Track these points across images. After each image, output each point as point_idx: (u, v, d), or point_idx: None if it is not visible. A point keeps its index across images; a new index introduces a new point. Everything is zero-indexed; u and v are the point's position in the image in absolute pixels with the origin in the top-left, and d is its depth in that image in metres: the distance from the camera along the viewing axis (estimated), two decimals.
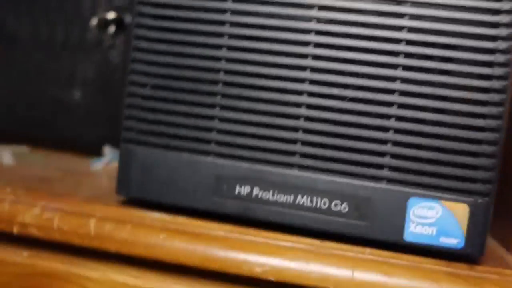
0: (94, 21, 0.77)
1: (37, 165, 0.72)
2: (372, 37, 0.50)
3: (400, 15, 0.49)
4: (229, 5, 0.52)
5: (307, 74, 0.51)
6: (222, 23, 0.52)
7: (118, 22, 0.78)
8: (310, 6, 0.51)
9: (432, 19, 0.49)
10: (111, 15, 0.77)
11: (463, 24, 0.48)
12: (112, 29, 0.77)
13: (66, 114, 0.82)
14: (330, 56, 0.50)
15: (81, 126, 0.82)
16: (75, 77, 0.82)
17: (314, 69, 0.51)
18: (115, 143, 0.80)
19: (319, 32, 0.50)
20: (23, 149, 0.81)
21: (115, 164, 0.74)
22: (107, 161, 0.77)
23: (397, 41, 0.49)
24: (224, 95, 0.52)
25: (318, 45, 0.50)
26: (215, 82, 0.53)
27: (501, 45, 0.48)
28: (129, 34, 0.78)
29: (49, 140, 0.84)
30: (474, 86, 0.48)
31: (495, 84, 0.48)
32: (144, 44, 0.54)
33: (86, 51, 0.80)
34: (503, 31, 0.48)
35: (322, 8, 0.50)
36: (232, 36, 0.52)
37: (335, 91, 0.50)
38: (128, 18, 0.79)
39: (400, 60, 0.49)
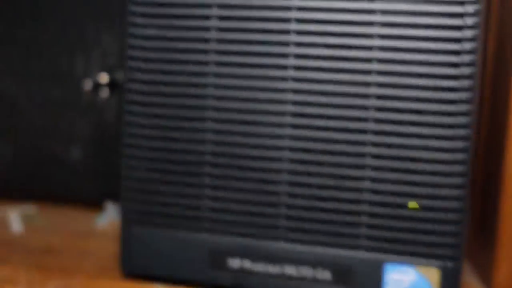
0: (87, 85, 0.85)
1: (44, 231, 0.80)
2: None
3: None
4: (210, 102, 0.60)
5: (284, 165, 0.58)
6: (204, 111, 0.60)
7: (111, 84, 0.85)
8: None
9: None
10: (103, 78, 0.85)
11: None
12: (105, 92, 0.85)
13: (67, 171, 0.89)
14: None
15: (81, 182, 0.90)
16: (73, 136, 0.89)
17: (292, 160, 0.58)
18: (114, 197, 0.87)
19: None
20: (30, 209, 0.89)
21: (118, 221, 0.81)
22: (110, 218, 0.84)
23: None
24: (212, 176, 0.60)
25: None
26: (202, 164, 0.60)
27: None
28: (122, 94, 0.86)
29: (53, 196, 0.92)
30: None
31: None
32: (135, 130, 0.62)
33: (81, 111, 0.88)
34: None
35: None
36: (216, 120, 0.60)
37: (312, 168, 0.57)
38: (120, 76, 0.86)
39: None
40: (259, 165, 0.58)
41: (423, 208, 0.56)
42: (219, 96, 0.59)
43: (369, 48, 0.56)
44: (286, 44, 0.57)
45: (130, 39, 0.61)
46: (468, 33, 0.54)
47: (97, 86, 0.85)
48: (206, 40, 0.59)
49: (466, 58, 0.54)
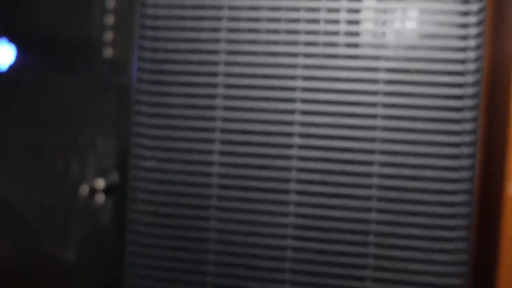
0: (84, 191, 0.86)
1: None
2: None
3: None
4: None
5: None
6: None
7: (107, 189, 0.87)
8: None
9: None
10: (99, 184, 0.86)
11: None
12: (101, 197, 0.86)
13: (61, 272, 0.90)
14: None
15: (76, 284, 0.90)
16: (68, 238, 0.90)
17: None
18: None
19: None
20: None
21: None
22: None
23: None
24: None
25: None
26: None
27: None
28: (118, 197, 0.88)
29: None
30: None
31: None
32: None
33: (77, 214, 0.89)
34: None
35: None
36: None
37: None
38: (115, 178, 0.88)
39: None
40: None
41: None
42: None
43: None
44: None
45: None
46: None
47: (93, 191, 0.87)
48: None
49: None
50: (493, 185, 0.76)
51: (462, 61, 0.59)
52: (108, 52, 0.88)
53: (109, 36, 0.88)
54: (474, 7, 0.59)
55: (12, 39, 0.90)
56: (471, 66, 0.59)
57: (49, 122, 0.90)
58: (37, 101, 0.90)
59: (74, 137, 0.89)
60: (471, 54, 0.59)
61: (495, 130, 0.78)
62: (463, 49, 0.59)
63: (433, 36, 0.60)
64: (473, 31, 0.59)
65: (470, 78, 0.59)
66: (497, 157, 0.76)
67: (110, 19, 0.88)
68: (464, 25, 0.59)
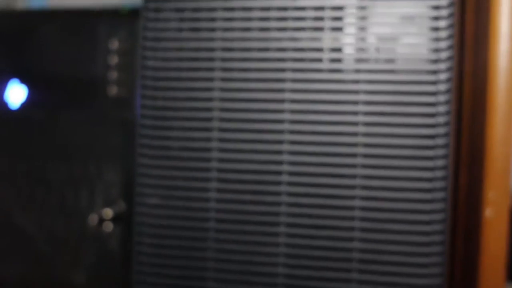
0: (93, 221, 0.93)
1: None
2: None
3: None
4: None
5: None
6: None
7: (114, 218, 0.94)
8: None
9: None
10: (108, 213, 0.93)
11: None
12: (109, 226, 0.93)
13: None
14: None
15: None
16: (78, 265, 0.97)
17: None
18: None
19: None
20: None
21: None
22: None
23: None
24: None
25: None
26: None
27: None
28: (125, 225, 0.94)
29: None
30: None
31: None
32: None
33: (86, 241, 0.96)
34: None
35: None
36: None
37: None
38: (122, 207, 0.95)
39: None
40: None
41: None
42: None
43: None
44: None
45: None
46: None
47: (101, 220, 0.94)
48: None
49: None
50: (476, 209, 0.82)
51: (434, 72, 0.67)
52: (112, 90, 0.95)
53: (112, 75, 0.95)
54: (443, 23, 0.65)
55: (23, 79, 0.97)
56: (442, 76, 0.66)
57: (58, 156, 0.97)
58: (47, 136, 0.97)
59: (83, 170, 0.96)
60: (442, 65, 0.66)
61: (476, 154, 0.84)
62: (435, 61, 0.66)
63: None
64: (444, 44, 0.66)
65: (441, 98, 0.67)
66: (478, 180, 0.82)
67: (113, 59, 0.95)
68: (436, 38, 0.66)
